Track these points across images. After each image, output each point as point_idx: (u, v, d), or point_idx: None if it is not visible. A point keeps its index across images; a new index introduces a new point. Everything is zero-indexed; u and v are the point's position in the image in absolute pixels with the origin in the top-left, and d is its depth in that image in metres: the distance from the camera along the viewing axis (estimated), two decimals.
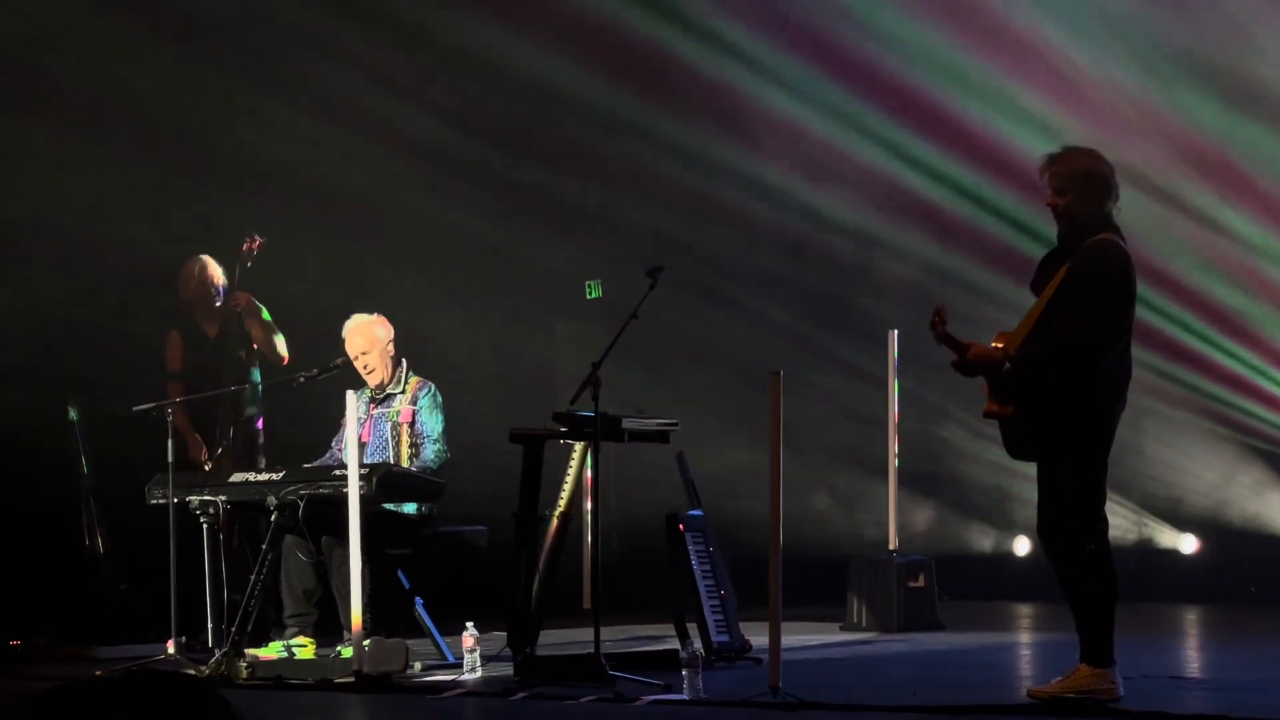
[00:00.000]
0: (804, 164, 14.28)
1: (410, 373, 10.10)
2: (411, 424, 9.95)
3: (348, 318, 10.16)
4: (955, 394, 12.93)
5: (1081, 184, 7.45)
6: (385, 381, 10.04)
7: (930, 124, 13.89)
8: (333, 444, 10.04)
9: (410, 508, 9.88)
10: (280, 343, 10.92)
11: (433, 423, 9.93)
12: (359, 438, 9.83)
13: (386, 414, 10.00)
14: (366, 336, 10.03)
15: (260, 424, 10.99)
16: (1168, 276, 13.07)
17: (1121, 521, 13.45)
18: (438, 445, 9.89)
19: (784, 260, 14.63)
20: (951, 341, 7.53)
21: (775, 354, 12.89)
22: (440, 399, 10.01)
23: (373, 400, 10.04)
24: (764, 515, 7.78)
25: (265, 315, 10.93)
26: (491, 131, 13.75)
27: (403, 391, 10.04)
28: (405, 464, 9.80)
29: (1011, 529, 14.79)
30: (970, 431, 13.81)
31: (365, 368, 10.00)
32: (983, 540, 14.94)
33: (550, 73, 13.72)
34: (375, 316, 10.12)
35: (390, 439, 9.93)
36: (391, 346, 10.08)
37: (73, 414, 11.12)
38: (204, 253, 11.06)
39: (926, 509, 14.68)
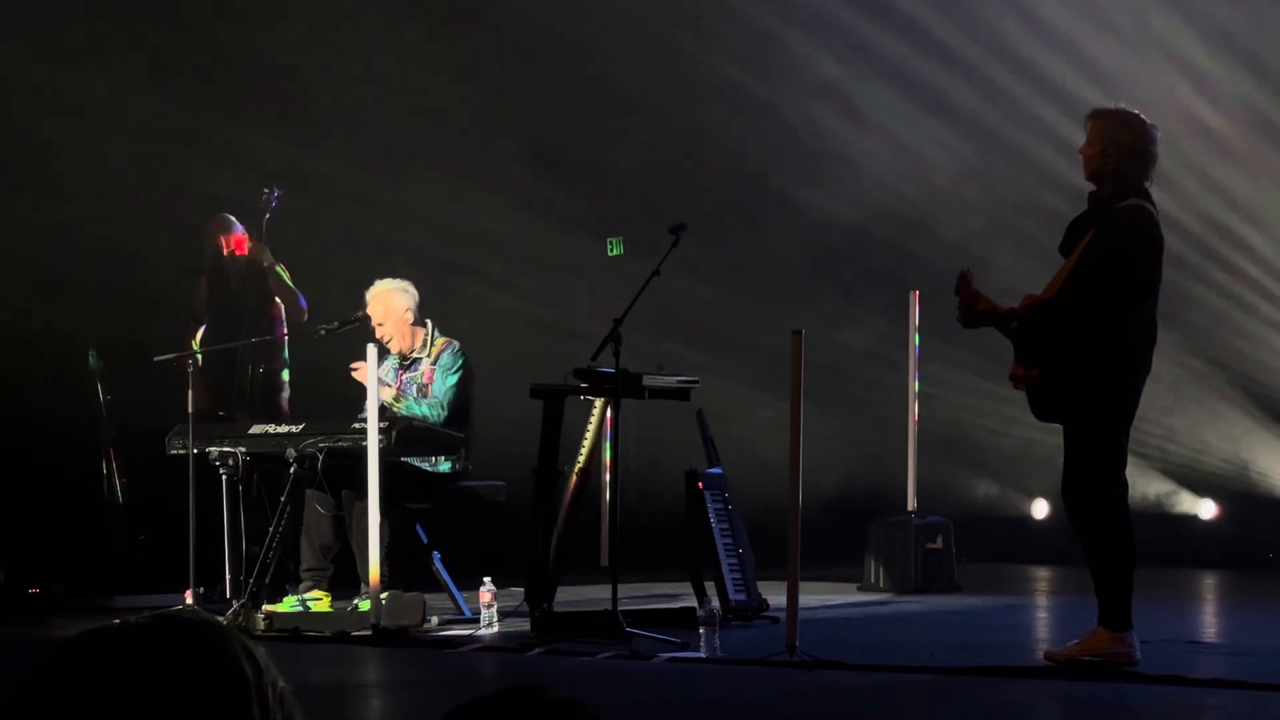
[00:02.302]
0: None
1: (436, 333, 10.07)
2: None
3: (365, 270, 10.14)
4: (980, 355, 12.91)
5: (1120, 148, 7.42)
6: (406, 350, 10.00)
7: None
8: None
9: (445, 465, 9.89)
10: (299, 297, 10.91)
11: (441, 379, 9.90)
12: None
13: (414, 377, 9.98)
14: (383, 305, 9.98)
15: (286, 376, 10.99)
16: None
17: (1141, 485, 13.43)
18: (435, 407, 9.82)
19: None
20: (972, 297, 7.51)
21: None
22: (461, 360, 9.96)
23: (401, 365, 10.03)
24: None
25: (280, 271, 10.90)
26: (518, 86, 13.72)
27: (428, 354, 10.01)
28: None
29: (1031, 492, 14.77)
30: (992, 395, 13.76)
31: (383, 337, 9.95)
32: (1001, 502, 14.92)
33: (577, 26, 13.69)
34: (396, 284, 10.03)
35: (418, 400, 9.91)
36: (409, 314, 9.99)
37: (93, 362, 11.13)
38: (228, 204, 11.04)
39: (947, 470, 14.64)
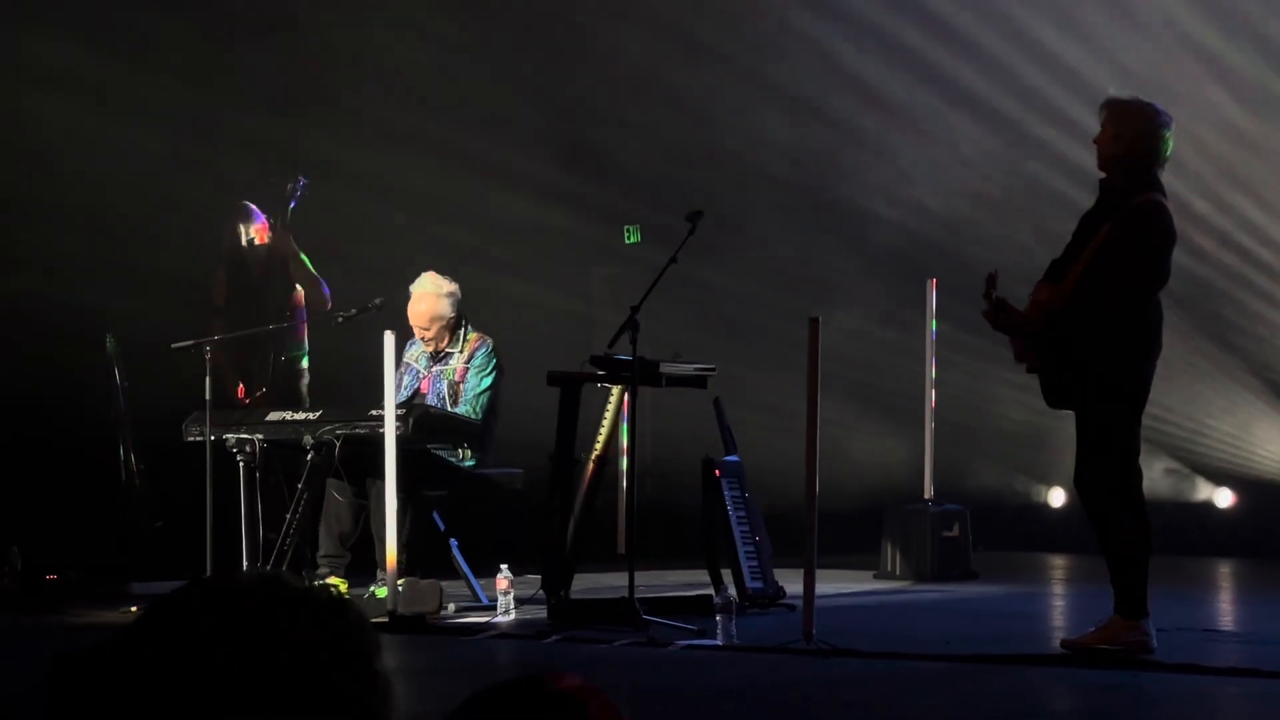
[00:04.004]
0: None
1: (469, 329, 10.06)
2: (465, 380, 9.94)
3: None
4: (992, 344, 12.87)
5: (1132, 135, 7.42)
6: (440, 347, 10.02)
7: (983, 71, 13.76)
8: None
9: (469, 462, 9.90)
10: (322, 284, 10.91)
11: (475, 380, 9.90)
12: (419, 389, 9.88)
13: (444, 371, 9.98)
14: (414, 310, 9.97)
15: (305, 364, 10.99)
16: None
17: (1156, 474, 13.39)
18: (467, 408, 9.84)
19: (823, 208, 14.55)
20: (998, 304, 7.49)
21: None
22: (495, 358, 9.95)
23: (433, 358, 10.04)
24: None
25: (303, 259, 10.91)
26: (532, 78, 13.72)
27: (461, 350, 10.01)
28: None
29: (1047, 480, 14.75)
30: (1006, 382, 13.73)
31: (417, 331, 10.00)
32: (1017, 491, 14.89)
33: (587, 19, 13.68)
34: (438, 289, 9.96)
35: (447, 396, 9.92)
36: (434, 323, 9.96)
37: (110, 348, 11.14)
38: (251, 191, 11.04)
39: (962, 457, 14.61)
